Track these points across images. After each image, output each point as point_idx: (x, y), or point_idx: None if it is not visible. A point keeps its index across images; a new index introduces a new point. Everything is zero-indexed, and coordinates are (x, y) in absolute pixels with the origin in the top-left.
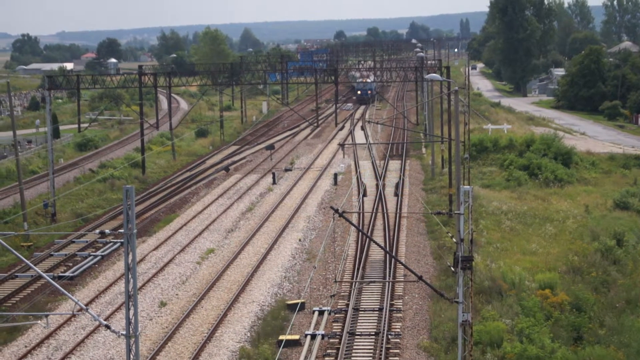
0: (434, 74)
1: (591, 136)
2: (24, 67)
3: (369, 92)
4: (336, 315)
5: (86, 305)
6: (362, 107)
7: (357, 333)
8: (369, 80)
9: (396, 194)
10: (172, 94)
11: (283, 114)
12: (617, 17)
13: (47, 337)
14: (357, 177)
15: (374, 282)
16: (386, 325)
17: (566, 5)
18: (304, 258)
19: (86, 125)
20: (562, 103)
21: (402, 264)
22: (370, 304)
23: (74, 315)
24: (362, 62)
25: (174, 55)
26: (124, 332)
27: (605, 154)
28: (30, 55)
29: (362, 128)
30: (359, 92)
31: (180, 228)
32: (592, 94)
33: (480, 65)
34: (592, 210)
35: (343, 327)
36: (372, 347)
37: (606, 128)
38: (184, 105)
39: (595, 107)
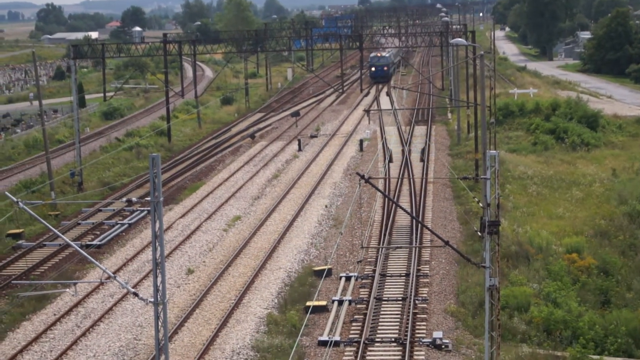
0: (459, 39)
1: (618, 99)
2: (49, 36)
3: (385, 68)
4: (363, 281)
5: (114, 273)
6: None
7: (384, 299)
8: (384, 54)
9: (422, 160)
10: (197, 62)
11: (308, 81)
12: None
13: (76, 305)
14: (383, 143)
15: (400, 247)
16: (413, 291)
17: None
18: (331, 224)
19: (112, 94)
20: (588, 66)
21: (429, 229)
22: (397, 269)
23: (102, 283)
24: (387, 27)
25: (199, 22)
26: (152, 300)
27: (632, 117)
28: (55, 25)
29: (388, 94)
30: (372, 69)
31: (207, 196)
32: (618, 57)
33: (506, 28)
34: (619, 173)
35: (370, 292)
36: (399, 312)
37: (633, 91)
38: (208, 73)
39: (621, 70)
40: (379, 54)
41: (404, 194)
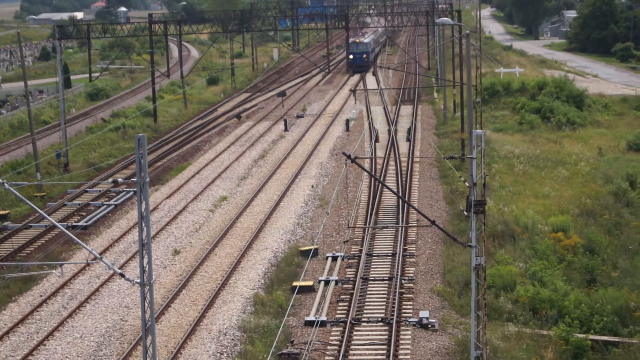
0: (445, 18)
1: (604, 78)
2: (34, 17)
3: (364, 55)
4: (349, 261)
5: (100, 254)
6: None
7: (370, 278)
8: (364, 40)
9: (408, 139)
10: (183, 42)
11: (294, 61)
12: None
13: (62, 286)
14: (369, 123)
15: (387, 227)
16: (399, 270)
17: None
18: (317, 204)
19: (97, 74)
20: (574, 45)
21: (415, 209)
22: (384, 249)
23: (88, 265)
24: (373, 7)
25: (184, 2)
26: (139, 280)
27: (617, 96)
28: (40, 5)
29: (374, 74)
30: (350, 57)
31: (193, 176)
32: (604, 35)
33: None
34: (605, 152)
35: (356, 272)
36: (385, 292)
37: (619, 70)
38: (194, 53)
39: (607, 49)
40: (357, 40)
41: (390, 174)
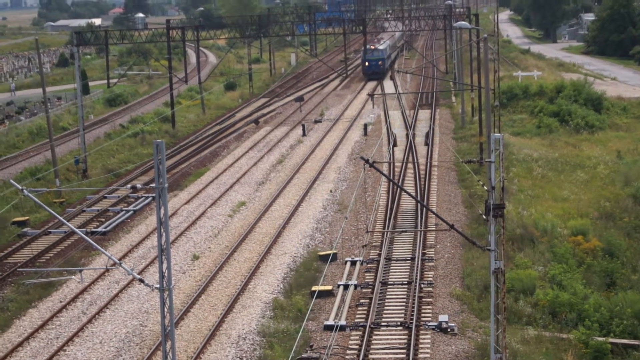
0: (463, 22)
1: (622, 81)
2: (52, 23)
3: (380, 63)
4: (368, 265)
5: (119, 259)
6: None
7: (389, 282)
8: (379, 47)
9: (426, 143)
10: (200, 48)
11: (311, 66)
12: None
13: (82, 292)
14: (387, 127)
15: (405, 231)
16: (418, 274)
17: None
18: (335, 209)
19: (115, 80)
20: (592, 48)
21: (434, 213)
22: (402, 253)
23: (107, 270)
24: (390, 11)
25: (202, 8)
26: (158, 286)
27: (636, 99)
28: (58, 12)
29: (392, 78)
30: (366, 64)
31: (211, 181)
32: (622, 38)
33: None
34: (623, 155)
35: (375, 277)
36: (404, 296)
37: (637, 72)
38: (212, 58)
39: (625, 51)
40: (372, 47)
41: (408, 178)
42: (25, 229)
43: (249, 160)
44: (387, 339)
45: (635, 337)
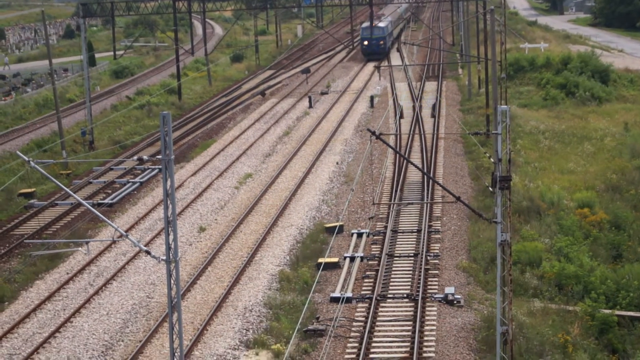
0: None
1: (629, 53)
2: None
3: (381, 42)
4: (375, 237)
5: (126, 231)
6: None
7: (395, 255)
8: (380, 24)
9: (433, 115)
10: (207, 19)
11: (318, 37)
12: None
13: (88, 264)
14: (394, 99)
15: (412, 203)
16: (425, 247)
17: None
18: (342, 181)
19: (121, 52)
20: (599, 20)
21: (440, 185)
22: (409, 225)
23: (114, 242)
24: None
25: None
26: (164, 258)
27: None
28: None
29: (398, 50)
30: (365, 43)
31: (218, 153)
32: (629, 10)
33: None
34: (630, 127)
35: (382, 249)
36: (411, 268)
37: None
38: (218, 30)
39: (633, 23)
40: (373, 24)
41: (415, 150)
42: (31, 201)
43: (255, 132)
44: (394, 311)
45: None
